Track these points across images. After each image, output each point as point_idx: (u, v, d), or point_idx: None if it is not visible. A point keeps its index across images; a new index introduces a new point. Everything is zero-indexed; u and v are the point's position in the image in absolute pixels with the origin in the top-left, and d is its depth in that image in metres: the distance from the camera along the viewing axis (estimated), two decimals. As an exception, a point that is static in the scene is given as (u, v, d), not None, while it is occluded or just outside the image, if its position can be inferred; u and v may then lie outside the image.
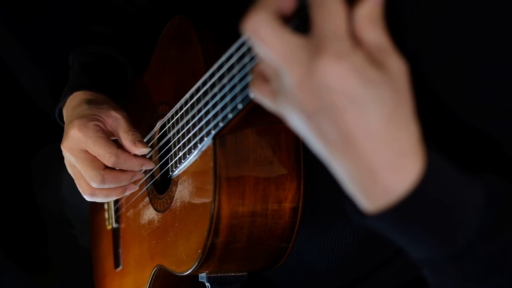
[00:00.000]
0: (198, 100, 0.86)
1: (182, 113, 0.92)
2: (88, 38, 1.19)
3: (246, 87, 0.72)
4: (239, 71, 0.72)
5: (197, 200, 0.92)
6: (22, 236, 1.79)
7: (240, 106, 0.75)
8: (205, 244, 0.88)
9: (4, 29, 1.68)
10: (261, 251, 0.92)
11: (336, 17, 0.56)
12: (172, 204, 0.99)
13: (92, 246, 1.36)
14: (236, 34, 0.70)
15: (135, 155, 1.00)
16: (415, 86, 0.59)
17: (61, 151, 1.03)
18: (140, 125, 1.07)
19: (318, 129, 0.58)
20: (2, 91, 1.77)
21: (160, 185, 1.06)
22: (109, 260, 1.24)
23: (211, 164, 0.86)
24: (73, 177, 1.04)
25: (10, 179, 1.79)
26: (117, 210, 1.22)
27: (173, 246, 0.97)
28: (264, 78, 0.61)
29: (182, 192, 0.96)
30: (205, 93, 0.84)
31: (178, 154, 0.95)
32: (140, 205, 1.11)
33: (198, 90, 0.86)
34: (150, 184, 1.07)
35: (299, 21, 0.58)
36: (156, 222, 1.04)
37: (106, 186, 1.00)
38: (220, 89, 0.79)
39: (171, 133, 0.97)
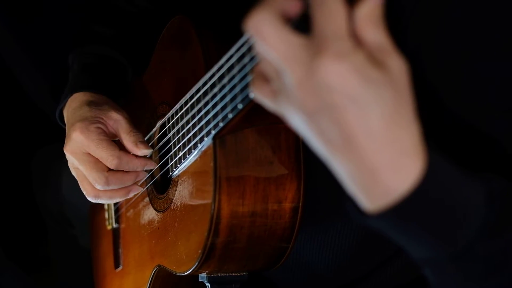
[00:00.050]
0: (198, 100, 0.86)
1: (182, 113, 0.92)
2: (88, 38, 1.19)
3: (246, 87, 0.72)
4: (239, 71, 0.72)
5: (197, 200, 0.92)
6: (22, 236, 1.79)
7: (240, 106, 0.75)
8: (205, 244, 0.88)
9: (4, 29, 1.67)
10: (261, 251, 0.92)
11: (336, 17, 0.56)
12: (172, 204, 0.99)
13: (92, 246, 1.36)
14: (236, 34, 0.70)
15: (137, 156, 1.00)
16: (415, 86, 0.59)
17: (61, 151, 1.03)
18: (140, 125, 1.07)
19: (319, 129, 0.58)
20: (2, 91, 1.76)
21: (160, 185, 1.06)
22: (109, 260, 1.24)
23: (211, 164, 0.86)
24: (77, 180, 1.04)
25: (10, 179, 1.79)
26: (117, 210, 1.22)
27: (173, 246, 0.97)
28: (265, 78, 0.61)
29: (182, 192, 0.96)
30: (205, 93, 0.84)
31: (178, 154, 0.95)
32: (140, 205, 1.11)
33: (198, 90, 0.86)
34: (150, 184, 1.07)
35: (300, 20, 0.58)
36: (156, 222, 1.04)
37: (110, 188, 1.00)
38: (220, 89, 0.79)
39: (171, 133, 0.97)
